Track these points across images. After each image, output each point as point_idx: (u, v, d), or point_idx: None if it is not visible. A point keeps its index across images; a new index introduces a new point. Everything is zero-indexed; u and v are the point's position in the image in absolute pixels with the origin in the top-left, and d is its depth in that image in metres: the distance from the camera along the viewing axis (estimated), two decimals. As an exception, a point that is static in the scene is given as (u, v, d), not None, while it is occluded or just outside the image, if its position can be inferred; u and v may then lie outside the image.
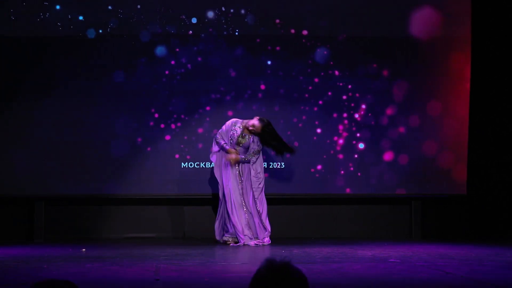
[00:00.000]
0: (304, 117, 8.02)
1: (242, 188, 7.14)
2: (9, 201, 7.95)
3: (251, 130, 7.14)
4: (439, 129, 8.06)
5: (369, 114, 8.05)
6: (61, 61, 7.85)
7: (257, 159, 7.22)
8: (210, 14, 7.97)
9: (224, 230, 7.19)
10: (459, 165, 8.04)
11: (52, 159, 7.82)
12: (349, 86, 8.05)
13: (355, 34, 8.06)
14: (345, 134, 8.04)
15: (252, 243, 7.04)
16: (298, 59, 8.02)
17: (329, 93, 8.04)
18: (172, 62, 7.94)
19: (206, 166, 7.84)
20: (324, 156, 8.03)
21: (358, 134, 8.05)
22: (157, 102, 7.93)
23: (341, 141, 8.04)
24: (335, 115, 8.04)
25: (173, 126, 7.93)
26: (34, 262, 5.70)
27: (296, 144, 7.99)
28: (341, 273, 5.10)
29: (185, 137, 7.91)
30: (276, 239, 7.39)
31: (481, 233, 8.10)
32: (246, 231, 7.08)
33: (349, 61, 8.05)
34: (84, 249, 6.65)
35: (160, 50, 7.95)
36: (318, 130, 8.03)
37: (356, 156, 8.04)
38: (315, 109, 8.03)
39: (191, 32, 7.96)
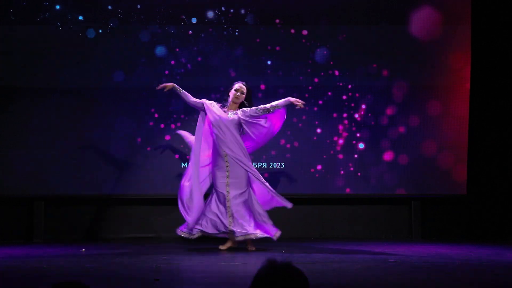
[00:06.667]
0: (304, 117, 8.02)
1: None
2: (9, 201, 7.95)
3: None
4: (439, 129, 8.06)
5: (369, 114, 8.06)
6: (61, 61, 7.85)
7: None
8: (210, 14, 7.97)
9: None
10: (459, 165, 8.04)
11: (51, 159, 7.82)
12: (349, 86, 8.05)
13: (355, 34, 8.06)
14: (345, 134, 8.04)
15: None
16: (298, 59, 8.02)
17: (329, 93, 8.04)
18: (172, 62, 7.94)
19: (206, 166, 7.83)
20: (324, 156, 8.03)
21: (358, 134, 8.05)
22: (157, 102, 7.93)
23: (341, 141, 8.04)
24: (335, 115, 8.04)
25: (173, 126, 7.93)
26: (34, 262, 5.70)
27: (296, 144, 8.00)
28: (341, 273, 5.10)
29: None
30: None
31: (481, 233, 8.10)
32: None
33: (349, 61, 8.05)
34: (84, 249, 6.65)
35: (160, 50, 7.95)
36: (318, 130, 8.03)
37: (356, 156, 8.04)
38: (315, 109, 8.03)
39: (191, 32, 7.96)
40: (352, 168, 8.04)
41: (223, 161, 6.69)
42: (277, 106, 6.72)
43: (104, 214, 8.10)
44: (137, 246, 7.15)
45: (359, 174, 8.05)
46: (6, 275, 5.03)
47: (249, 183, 6.73)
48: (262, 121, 6.76)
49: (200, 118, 6.83)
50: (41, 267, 5.39)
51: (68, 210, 8.05)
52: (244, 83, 6.85)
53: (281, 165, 7.96)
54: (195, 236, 6.67)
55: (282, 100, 6.76)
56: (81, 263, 5.56)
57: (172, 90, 6.85)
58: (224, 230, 6.62)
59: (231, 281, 4.80)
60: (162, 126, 7.92)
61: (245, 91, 6.79)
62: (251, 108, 6.75)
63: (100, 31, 7.89)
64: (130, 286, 4.58)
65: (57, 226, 7.99)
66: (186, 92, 6.85)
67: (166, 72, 7.94)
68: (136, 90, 7.92)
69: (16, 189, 7.82)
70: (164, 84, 6.85)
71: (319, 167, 8.03)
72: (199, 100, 6.83)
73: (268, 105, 6.73)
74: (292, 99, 6.75)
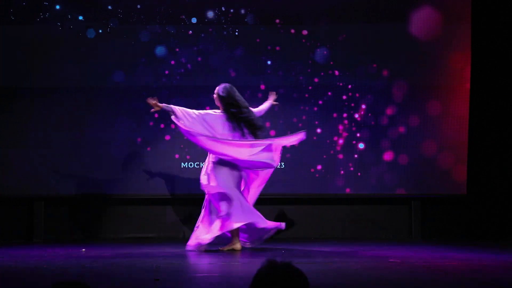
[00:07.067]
0: (304, 117, 8.01)
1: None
2: (9, 201, 7.94)
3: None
4: (439, 129, 8.06)
5: (369, 114, 8.05)
6: (61, 61, 7.85)
7: None
8: (210, 14, 7.97)
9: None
10: (459, 165, 8.04)
11: (51, 159, 7.82)
12: (349, 86, 8.05)
13: (355, 34, 8.06)
14: (345, 134, 8.04)
15: None
16: (298, 59, 8.02)
17: (329, 93, 8.04)
18: (172, 62, 7.94)
19: (206, 166, 7.82)
20: (324, 156, 8.03)
21: (358, 134, 8.05)
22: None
23: (341, 141, 8.04)
24: (335, 115, 8.04)
25: (173, 126, 7.91)
26: (34, 262, 5.70)
27: (296, 144, 7.99)
28: (341, 273, 5.10)
29: (186, 137, 7.90)
30: (276, 239, 7.39)
31: (481, 233, 8.10)
32: None
33: (349, 61, 8.04)
34: (84, 249, 6.65)
35: (160, 50, 7.95)
36: (318, 130, 8.02)
37: (356, 156, 8.04)
38: (315, 109, 8.03)
39: (191, 32, 7.96)
40: (352, 168, 8.04)
41: None
42: None
43: (104, 214, 8.10)
44: (137, 246, 7.15)
45: (359, 174, 8.04)
46: (6, 275, 5.03)
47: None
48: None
49: None
50: (41, 267, 5.39)
51: (68, 210, 8.05)
52: (220, 86, 6.75)
53: (281, 165, 7.95)
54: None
55: None
56: (81, 263, 5.56)
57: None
58: None
59: (231, 281, 4.80)
60: (162, 126, 7.92)
61: (215, 96, 6.73)
62: None
63: (100, 31, 7.88)
64: (130, 286, 4.58)
65: (57, 226, 7.99)
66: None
67: (166, 72, 7.94)
68: (136, 90, 7.92)
69: (16, 189, 7.82)
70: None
71: (319, 167, 8.03)
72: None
73: None
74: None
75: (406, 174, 8.07)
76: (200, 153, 7.78)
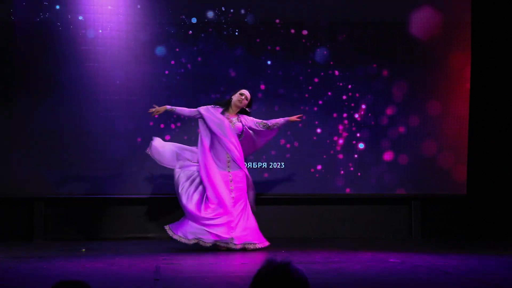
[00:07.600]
0: (304, 117, 8.00)
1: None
2: (9, 201, 7.94)
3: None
4: (439, 129, 8.07)
5: (369, 114, 8.06)
6: (61, 61, 7.85)
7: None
8: (210, 14, 7.97)
9: None
10: (459, 165, 8.04)
11: (51, 159, 7.82)
12: (349, 86, 8.05)
13: (355, 34, 8.06)
14: (345, 134, 8.04)
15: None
16: (298, 59, 8.02)
17: (329, 93, 8.04)
18: (172, 62, 7.94)
19: (206, 166, 7.82)
20: (324, 156, 8.03)
21: (358, 134, 8.05)
22: (157, 102, 7.91)
23: (341, 141, 8.04)
24: (335, 115, 8.04)
25: (173, 126, 7.93)
26: (34, 262, 5.70)
27: (296, 144, 8.00)
28: (341, 273, 5.10)
29: (185, 137, 7.91)
30: (276, 239, 7.38)
31: (481, 233, 8.10)
32: None
33: (349, 61, 8.05)
34: (84, 249, 6.65)
35: (160, 50, 7.95)
36: (318, 130, 8.03)
37: (356, 156, 8.04)
38: (315, 109, 8.03)
39: (191, 32, 7.96)
40: (352, 168, 8.04)
41: (226, 165, 6.74)
42: (277, 125, 6.95)
43: (104, 214, 8.09)
44: (137, 246, 7.15)
45: (359, 174, 8.05)
46: (6, 275, 5.03)
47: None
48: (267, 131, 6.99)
49: (201, 126, 6.87)
50: (41, 267, 5.39)
51: (68, 210, 8.05)
52: (249, 91, 6.99)
53: (281, 165, 7.96)
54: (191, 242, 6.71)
55: (282, 119, 6.98)
56: (81, 263, 5.57)
57: (166, 111, 6.90)
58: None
59: (231, 281, 4.80)
60: (162, 126, 7.92)
61: (249, 97, 6.92)
62: (252, 118, 6.91)
63: (100, 31, 7.89)
64: (130, 286, 4.59)
65: (56, 226, 7.99)
66: (180, 108, 6.92)
67: (166, 72, 7.94)
68: (137, 90, 7.92)
69: (16, 189, 7.82)
70: (155, 109, 6.89)
71: (319, 167, 8.03)
72: (193, 110, 6.87)
73: (269, 123, 6.92)
74: (292, 118, 7.01)
75: (406, 174, 8.07)
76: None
